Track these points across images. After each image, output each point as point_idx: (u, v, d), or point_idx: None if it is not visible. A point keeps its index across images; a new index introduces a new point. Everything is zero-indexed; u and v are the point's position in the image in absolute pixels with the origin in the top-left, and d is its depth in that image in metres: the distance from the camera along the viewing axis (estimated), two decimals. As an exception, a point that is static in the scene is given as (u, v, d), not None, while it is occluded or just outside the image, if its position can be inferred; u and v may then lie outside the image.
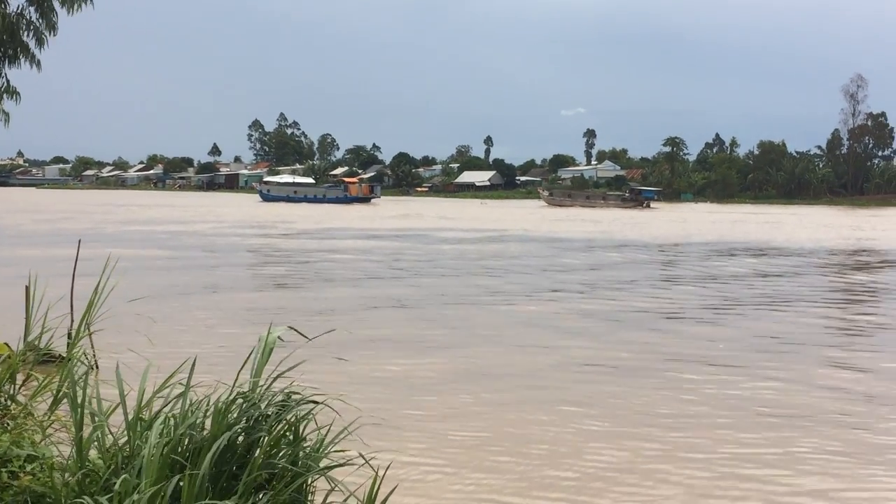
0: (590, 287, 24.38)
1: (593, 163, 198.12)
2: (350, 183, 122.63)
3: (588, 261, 33.49)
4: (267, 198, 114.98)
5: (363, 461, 4.49)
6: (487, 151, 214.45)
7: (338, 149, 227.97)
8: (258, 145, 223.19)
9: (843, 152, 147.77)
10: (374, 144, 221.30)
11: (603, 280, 26.16)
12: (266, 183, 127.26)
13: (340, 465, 4.50)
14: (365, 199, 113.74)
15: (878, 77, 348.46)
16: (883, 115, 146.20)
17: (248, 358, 4.57)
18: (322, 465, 4.39)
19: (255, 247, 37.74)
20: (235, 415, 4.28)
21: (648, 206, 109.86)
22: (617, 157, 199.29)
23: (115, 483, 3.96)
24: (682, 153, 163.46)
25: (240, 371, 4.57)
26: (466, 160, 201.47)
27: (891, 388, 12.36)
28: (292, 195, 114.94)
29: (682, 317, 19.04)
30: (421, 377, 12.46)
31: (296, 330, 4.99)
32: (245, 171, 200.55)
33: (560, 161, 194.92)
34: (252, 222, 58.04)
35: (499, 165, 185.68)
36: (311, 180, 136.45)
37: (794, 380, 12.56)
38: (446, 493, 7.84)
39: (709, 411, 10.75)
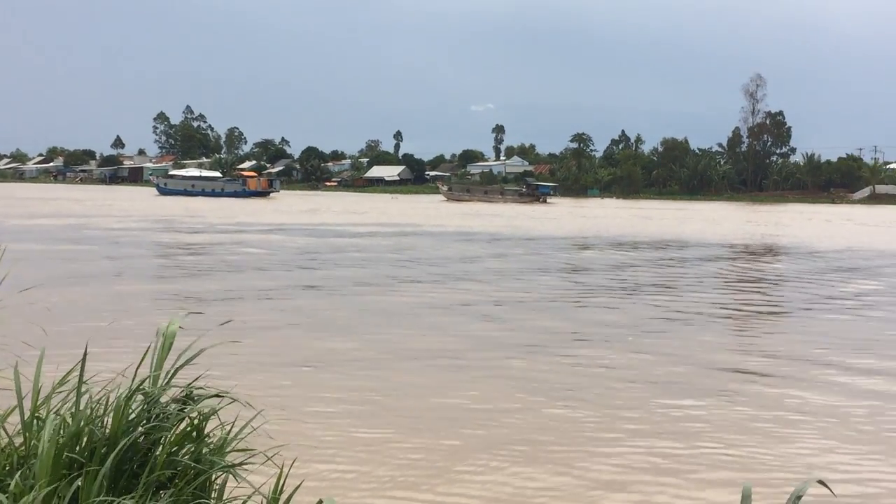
0: (499, 276, 24.52)
1: (502, 158, 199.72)
2: (248, 177, 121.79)
3: (495, 251, 33.66)
4: (164, 191, 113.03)
5: (267, 457, 4.35)
6: (397, 146, 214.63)
7: (245, 142, 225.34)
8: (164, 138, 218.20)
9: (743, 150, 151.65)
10: (282, 138, 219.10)
11: (511, 270, 26.29)
12: (163, 177, 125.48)
13: (244, 462, 4.33)
14: (263, 194, 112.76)
15: (777, 76, 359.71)
16: (781, 113, 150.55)
17: (147, 351, 4.38)
18: (228, 460, 4.22)
19: (157, 242, 36.74)
20: (136, 411, 4.11)
21: (545, 201, 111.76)
22: (525, 152, 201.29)
23: (9, 483, 3.77)
24: (589, 149, 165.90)
25: (139, 365, 4.36)
26: (376, 155, 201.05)
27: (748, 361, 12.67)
28: (190, 189, 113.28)
29: (585, 304, 19.12)
30: (329, 365, 12.42)
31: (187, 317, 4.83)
32: (150, 165, 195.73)
33: (469, 156, 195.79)
34: (148, 216, 56.54)
35: (408, 160, 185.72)
36: (217, 174, 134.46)
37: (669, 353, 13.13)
38: (354, 487, 7.70)
39: (591, 381, 11.15)
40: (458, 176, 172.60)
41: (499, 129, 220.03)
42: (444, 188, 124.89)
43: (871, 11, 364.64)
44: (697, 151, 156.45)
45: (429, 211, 77.75)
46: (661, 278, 26.31)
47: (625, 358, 13.43)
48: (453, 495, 7.58)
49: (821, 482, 2.98)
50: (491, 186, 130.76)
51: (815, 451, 8.94)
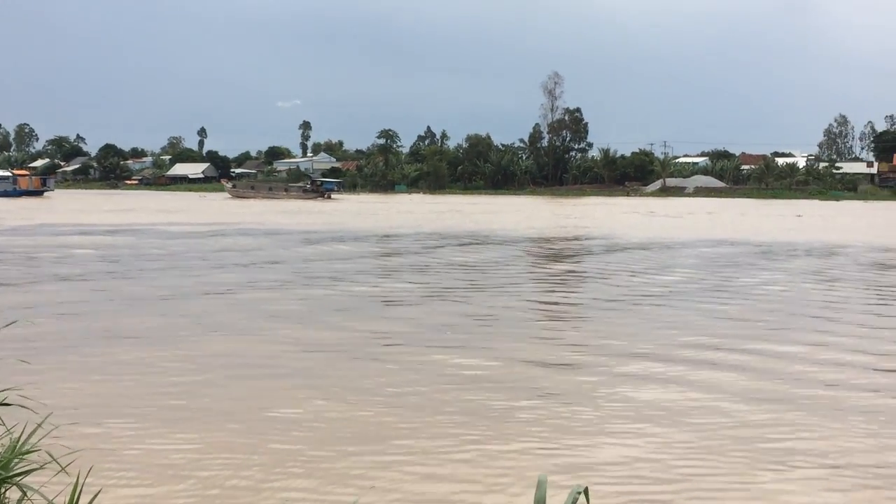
0: (308, 278, 24.15)
1: (309, 155, 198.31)
2: (20, 175, 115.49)
3: (317, 251, 33.32)
4: None
5: (61, 466, 4.01)
6: (201, 143, 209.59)
7: (37, 140, 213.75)
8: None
9: (543, 145, 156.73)
10: (77, 135, 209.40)
11: (326, 270, 26.08)
12: None
13: (35, 470, 3.91)
14: (37, 193, 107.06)
15: (574, 73, 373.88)
16: (578, 110, 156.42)
17: None
18: (19, 469, 3.81)
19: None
20: None
21: (329, 197, 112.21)
22: (332, 149, 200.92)
23: None
24: (395, 145, 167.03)
25: None
26: (179, 152, 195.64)
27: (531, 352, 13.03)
28: None
29: (396, 303, 19.22)
30: (132, 368, 11.82)
31: None
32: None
33: (275, 153, 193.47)
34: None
35: (213, 157, 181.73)
36: (7, 173, 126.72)
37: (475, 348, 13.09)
38: (155, 496, 7.26)
39: (392, 380, 10.86)
40: (264, 173, 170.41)
41: (306, 126, 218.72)
42: (229, 185, 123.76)
43: (660, 10, 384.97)
44: (501, 147, 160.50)
45: (232, 209, 76.22)
46: (477, 274, 26.79)
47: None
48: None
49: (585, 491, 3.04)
50: (275, 183, 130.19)
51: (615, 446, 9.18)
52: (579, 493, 2.93)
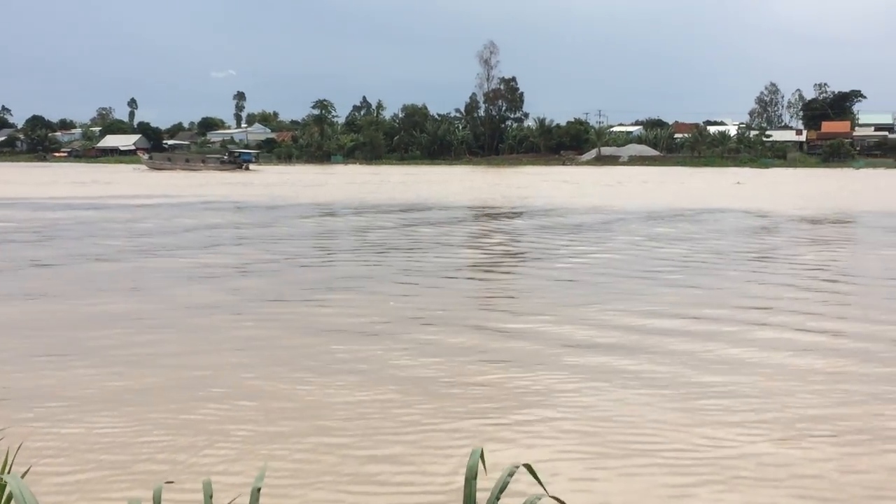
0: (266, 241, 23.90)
1: (243, 126, 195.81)
2: None
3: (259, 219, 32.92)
4: None
5: None
6: (132, 114, 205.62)
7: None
8: None
9: (480, 115, 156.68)
10: (2, 107, 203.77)
11: (262, 235, 25.78)
12: None
13: None
14: None
15: (509, 43, 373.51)
16: (514, 79, 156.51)
17: None
18: None
19: None
20: None
21: (247, 168, 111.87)
22: (267, 119, 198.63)
23: None
24: (331, 116, 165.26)
25: None
26: (109, 123, 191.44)
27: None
28: None
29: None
30: (54, 337, 11.72)
31: None
32: None
33: (209, 124, 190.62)
34: None
35: (144, 129, 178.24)
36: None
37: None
38: (84, 471, 7.10)
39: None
40: (197, 144, 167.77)
41: (240, 97, 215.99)
42: (146, 157, 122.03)
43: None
44: (437, 117, 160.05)
45: (164, 181, 75.01)
46: (415, 241, 26.73)
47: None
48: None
49: (527, 466, 2.99)
50: (192, 154, 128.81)
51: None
52: (516, 467, 2.88)
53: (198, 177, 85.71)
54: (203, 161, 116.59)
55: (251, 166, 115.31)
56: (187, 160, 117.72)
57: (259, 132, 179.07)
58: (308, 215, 36.35)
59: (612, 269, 19.41)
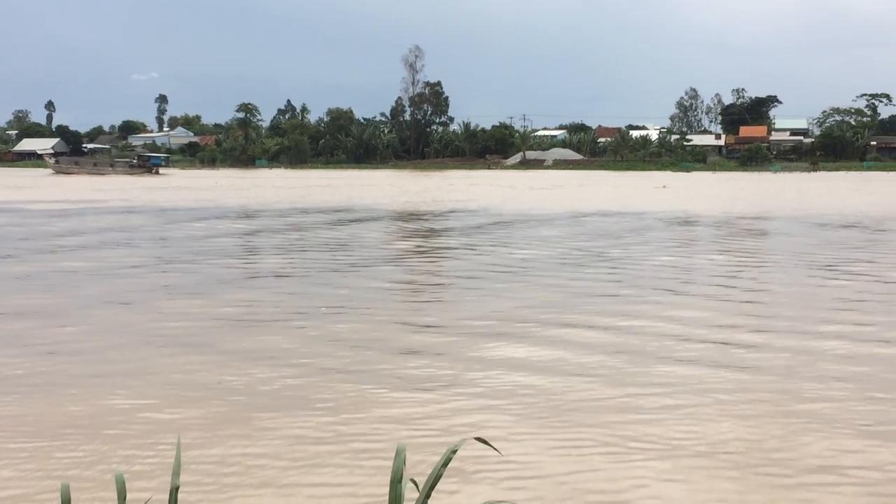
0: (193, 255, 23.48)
1: (165, 129, 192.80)
2: None
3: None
4: None
5: None
6: (50, 117, 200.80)
7: None
8: None
9: (405, 119, 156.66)
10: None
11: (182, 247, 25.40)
12: None
13: None
14: None
15: (434, 47, 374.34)
16: (439, 83, 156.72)
17: None
18: None
19: None
20: None
21: (157, 172, 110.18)
22: (190, 123, 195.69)
23: None
24: (255, 119, 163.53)
25: None
26: (26, 127, 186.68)
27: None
28: None
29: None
30: None
31: None
32: None
33: (130, 127, 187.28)
34: None
35: (63, 132, 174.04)
36: None
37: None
38: None
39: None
40: (118, 148, 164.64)
41: (162, 99, 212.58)
42: (52, 161, 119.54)
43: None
44: (362, 121, 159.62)
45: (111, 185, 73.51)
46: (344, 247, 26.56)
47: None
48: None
49: (479, 439, 2.98)
50: (101, 159, 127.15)
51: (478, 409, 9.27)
52: (454, 451, 2.87)
53: (101, 181, 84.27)
54: (111, 165, 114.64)
55: (161, 170, 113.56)
56: (95, 164, 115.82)
57: (182, 136, 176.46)
58: (200, 218, 35.77)
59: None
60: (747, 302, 15.23)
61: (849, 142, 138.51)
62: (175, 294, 16.03)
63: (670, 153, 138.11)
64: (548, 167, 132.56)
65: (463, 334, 12.46)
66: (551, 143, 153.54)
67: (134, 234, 28.52)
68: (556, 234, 28.72)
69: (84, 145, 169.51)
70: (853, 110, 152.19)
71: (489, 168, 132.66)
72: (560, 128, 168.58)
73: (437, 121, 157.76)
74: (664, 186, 70.37)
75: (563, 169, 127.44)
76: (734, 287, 17.07)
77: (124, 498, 2.79)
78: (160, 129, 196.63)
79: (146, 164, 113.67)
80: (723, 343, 11.80)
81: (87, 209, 41.27)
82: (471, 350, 11.50)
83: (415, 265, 21.57)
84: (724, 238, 28.73)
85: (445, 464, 2.83)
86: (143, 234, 28.73)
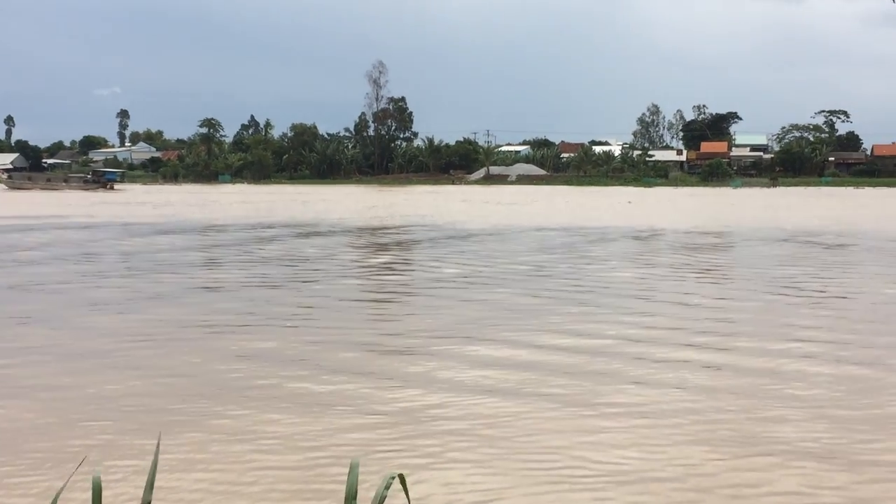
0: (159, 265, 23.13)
1: (127, 144, 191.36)
2: None
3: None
4: None
5: None
6: (9, 132, 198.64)
7: None
8: None
9: (369, 134, 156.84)
10: None
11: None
12: None
13: None
14: None
15: (398, 63, 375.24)
16: (403, 99, 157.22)
17: None
18: None
19: None
20: None
21: (112, 187, 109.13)
22: (152, 138, 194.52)
23: None
24: (218, 135, 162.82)
25: None
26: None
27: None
28: None
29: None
30: None
31: None
32: None
33: (91, 142, 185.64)
34: None
35: (22, 147, 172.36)
36: None
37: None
38: None
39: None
40: (79, 164, 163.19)
41: (123, 114, 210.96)
42: (5, 176, 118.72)
43: (481, 5, 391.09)
44: (326, 136, 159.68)
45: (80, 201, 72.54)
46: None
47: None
48: None
49: (400, 476, 2.92)
50: (55, 174, 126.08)
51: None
52: (392, 478, 2.81)
53: (53, 196, 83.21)
54: (65, 180, 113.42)
55: (117, 185, 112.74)
56: (48, 179, 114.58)
57: (144, 151, 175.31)
58: (142, 234, 35.38)
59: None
60: (709, 319, 15.17)
61: (807, 158, 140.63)
62: (103, 311, 15.74)
63: (633, 168, 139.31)
64: (511, 182, 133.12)
65: (404, 350, 12.28)
66: (515, 158, 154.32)
67: (74, 250, 28.14)
68: (519, 249, 28.73)
69: (44, 160, 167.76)
70: (811, 127, 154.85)
71: (453, 183, 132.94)
72: (523, 143, 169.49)
73: (401, 136, 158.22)
74: (629, 202, 70.77)
75: (527, 184, 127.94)
76: (696, 305, 17.00)
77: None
78: (122, 144, 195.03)
79: (100, 179, 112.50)
80: (683, 361, 11.65)
81: (30, 225, 40.69)
82: (408, 367, 11.30)
83: (368, 281, 21.44)
84: (688, 253, 28.88)
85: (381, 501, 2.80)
86: (82, 250, 28.36)
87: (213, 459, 7.61)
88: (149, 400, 9.57)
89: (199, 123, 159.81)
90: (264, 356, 11.86)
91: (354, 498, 2.65)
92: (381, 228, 39.71)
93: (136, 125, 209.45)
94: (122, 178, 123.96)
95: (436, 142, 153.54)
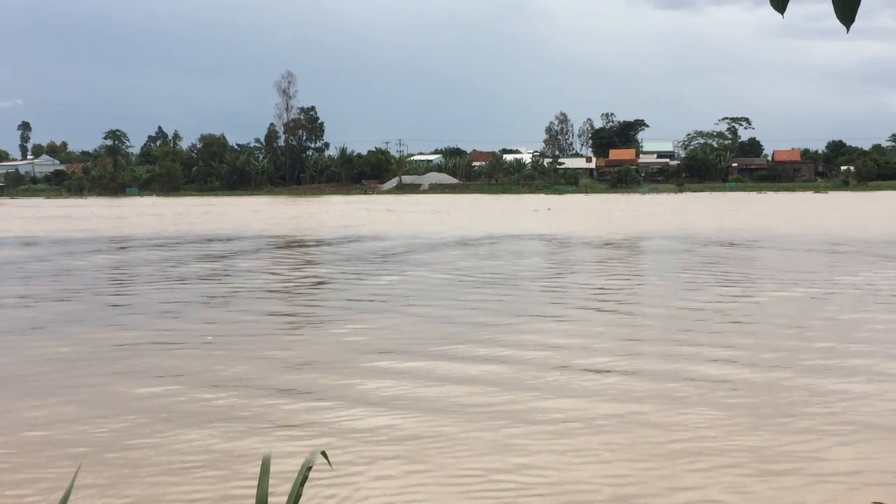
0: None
1: (29, 157, 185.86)
2: None
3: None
4: None
5: None
6: None
7: None
8: None
9: (280, 145, 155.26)
10: None
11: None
12: None
13: None
14: None
15: (308, 73, 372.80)
16: (313, 108, 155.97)
17: None
18: None
19: None
20: None
21: None
22: (56, 150, 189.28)
23: None
24: (125, 146, 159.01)
25: None
26: None
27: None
28: None
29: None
30: None
31: None
32: None
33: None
34: None
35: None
36: None
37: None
38: None
39: None
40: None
41: (25, 127, 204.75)
42: None
43: (390, 10, 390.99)
44: (236, 147, 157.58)
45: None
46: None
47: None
48: None
49: (323, 454, 2.96)
50: None
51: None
52: (310, 467, 2.84)
53: None
54: None
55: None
56: None
57: (47, 164, 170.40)
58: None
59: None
60: (627, 326, 15.48)
61: (712, 164, 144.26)
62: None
63: (544, 176, 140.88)
64: (424, 191, 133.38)
65: (329, 367, 12.30)
66: (427, 167, 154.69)
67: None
68: (441, 260, 28.84)
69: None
70: (715, 133, 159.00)
71: (366, 193, 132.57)
72: (436, 152, 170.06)
73: (313, 146, 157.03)
74: (549, 209, 71.53)
75: (440, 193, 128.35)
76: (615, 311, 17.38)
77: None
78: (24, 157, 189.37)
79: None
80: (603, 371, 11.81)
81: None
82: (333, 385, 11.31)
83: (286, 297, 21.35)
84: (605, 259, 29.42)
85: (303, 482, 2.86)
86: None
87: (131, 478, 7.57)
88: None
89: (104, 135, 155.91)
90: (183, 375, 11.79)
91: (265, 501, 2.73)
92: (308, 241, 39.44)
93: (38, 137, 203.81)
94: (3, 192, 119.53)
95: (348, 152, 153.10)
